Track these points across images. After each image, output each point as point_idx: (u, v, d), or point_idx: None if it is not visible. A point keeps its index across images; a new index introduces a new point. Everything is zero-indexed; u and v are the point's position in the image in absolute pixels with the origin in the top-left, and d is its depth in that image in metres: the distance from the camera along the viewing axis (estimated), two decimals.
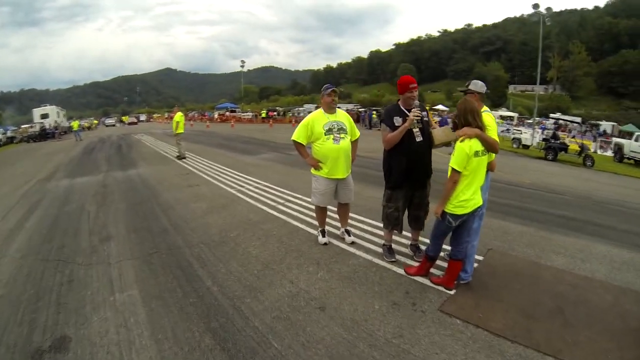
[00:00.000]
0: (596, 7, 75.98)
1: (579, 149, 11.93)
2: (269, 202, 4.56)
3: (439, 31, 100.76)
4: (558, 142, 12.56)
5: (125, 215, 4.22)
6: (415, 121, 2.52)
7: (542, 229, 3.90)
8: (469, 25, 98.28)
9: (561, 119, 22.24)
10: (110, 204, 4.80)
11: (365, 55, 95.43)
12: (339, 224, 3.41)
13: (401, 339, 1.95)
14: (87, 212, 4.43)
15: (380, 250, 2.97)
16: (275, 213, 4.05)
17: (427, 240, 2.74)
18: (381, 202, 2.79)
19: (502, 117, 29.51)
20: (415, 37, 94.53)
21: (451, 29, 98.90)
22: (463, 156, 2.07)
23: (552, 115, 25.47)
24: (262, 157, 8.84)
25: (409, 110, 2.57)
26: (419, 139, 2.54)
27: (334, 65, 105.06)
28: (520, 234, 3.64)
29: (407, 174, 2.58)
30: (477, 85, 2.58)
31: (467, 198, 2.15)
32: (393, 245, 2.93)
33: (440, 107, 35.32)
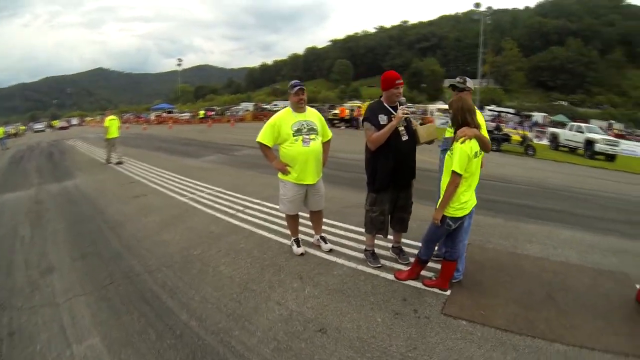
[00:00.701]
0: (527, 7, 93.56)
1: (520, 139, 13.90)
2: (227, 210, 4.56)
3: (375, 27, 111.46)
4: (501, 133, 14.61)
5: (67, 238, 3.97)
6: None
7: (510, 219, 4.38)
8: (405, 22, 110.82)
9: (499, 111, 25.67)
10: (47, 225, 4.53)
11: (301, 52, 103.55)
12: (311, 231, 3.43)
13: (416, 351, 1.96)
14: (20, 237, 4.12)
15: (361, 256, 3.06)
16: (237, 222, 4.05)
17: (409, 242, 3.04)
18: (364, 206, 2.87)
19: (439, 110, 33.31)
20: (351, 33, 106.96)
21: (387, 25, 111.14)
22: (465, 158, 2.16)
23: (488, 107, 29.51)
24: (207, 160, 9.16)
25: (393, 108, 2.63)
26: (404, 137, 2.64)
27: (270, 62, 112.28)
28: (492, 226, 4.03)
29: (393, 175, 2.66)
30: (471, 82, 2.74)
31: (467, 199, 2.28)
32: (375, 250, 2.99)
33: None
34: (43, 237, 4.06)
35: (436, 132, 2.74)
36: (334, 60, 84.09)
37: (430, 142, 2.71)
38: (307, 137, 2.88)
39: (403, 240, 3.15)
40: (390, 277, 2.75)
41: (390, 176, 2.66)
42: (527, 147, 13.40)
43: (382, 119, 2.60)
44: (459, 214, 2.29)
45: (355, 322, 2.17)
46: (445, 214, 2.30)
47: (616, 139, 16.43)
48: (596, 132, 15.95)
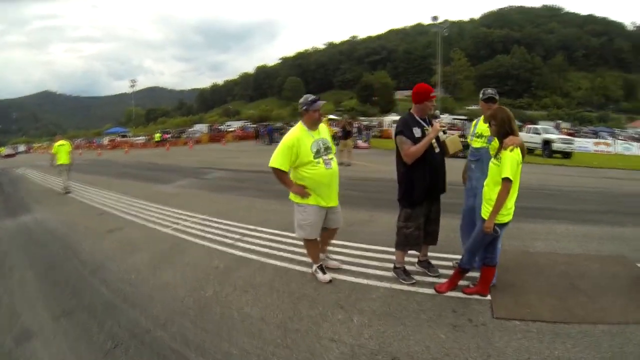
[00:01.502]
0: (472, 19, 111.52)
1: None
2: (222, 240, 4.60)
3: (324, 43, 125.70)
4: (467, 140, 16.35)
5: (40, 290, 3.63)
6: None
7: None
8: (354, 37, 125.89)
9: (463, 119, 28.86)
10: (12, 273, 4.18)
11: (252, 71, 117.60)
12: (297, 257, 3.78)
13: (490, 358, 2.25)
14: None
15: (390, 274, 3.36)
16: (241, 253, 4.09)
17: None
18: (396, 224, 3.22)
19: (395, 122, 35.59)
20: (301, 50, 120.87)
21: (337, 41, 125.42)
22: (515, 165, 2.56)
23: (442, 115, 33.14)
24: (179, 185, 9.48)
25: (424, 120, 3.05)
26: (437, 150, 3.07)
27: (221, 82, 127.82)
28: None
29: (429, 189, 3.03)
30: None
31: (512, 205, 2.71)
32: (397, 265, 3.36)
33: (331, 116, 41.79)
34: (8, 290, 3.67)
35: (460, 144, 3.20)
36: (285, 77, 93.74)
37: (456, 154, 3.14)
38: (326, 158, 3.08)
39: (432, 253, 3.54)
40: (428, 291, 3.06)
41: (427, 189, 3.02)
42: (466, 147, 15.22)
43: (417, 132, 2.96)
44: (506, 219, 2.71)
45: (422, 344, 2.37)
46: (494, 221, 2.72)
47: (571, 138, 19.47)
48: (552, 133, 18.84)
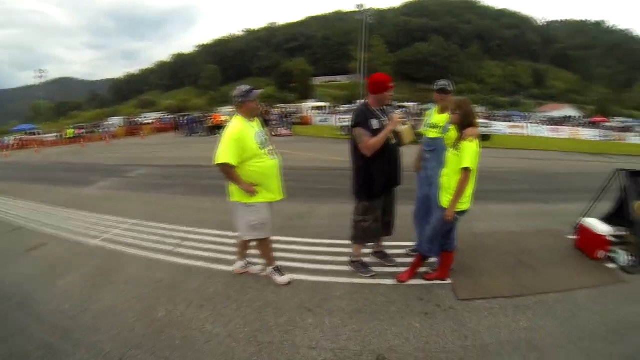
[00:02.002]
0: (392, 7, 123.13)
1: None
2: (160, 247, 4.39)
3: (243, 30, 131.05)
4: None
5: None
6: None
7: None
8: (273, 24, 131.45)
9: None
10: None
11: (168, 59, 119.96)
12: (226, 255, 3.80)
13: (468, 339, 2.49)
14: None
15: (346, 268, 3.49)
16: (185, 261, 3.94)
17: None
18: (352, 218, 3.30)
19: (315, 108, 40.09)
20: (219, 37, 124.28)
21: (255, 27, 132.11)
22: (475, 155, 2.78)
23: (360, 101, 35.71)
24: (101, 186, 8.98)
25: (381, 111, 3.14)
26: (393, 141, 3.19)
27: (136, 72, 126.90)
28: None
29: (388, 180, 3.18)
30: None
31: (471, 193, 2.94)
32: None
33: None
34: None
35: (414, 134, 3.35)
36: (203, 66, 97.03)
37: (410, 143, 3.28)
38: (269, 148, 3.11)
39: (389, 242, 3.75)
40: (390, 281, 3.26)
41: (385, 181, 3.16)
42: (417, 136, 16.69)
43: (375, 123, 3.02)
44: (465, 207, 2.95)
45: (401, 336, 2.53)
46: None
47: (488, 121, 21.91)
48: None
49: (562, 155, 15.44)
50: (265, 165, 3.01)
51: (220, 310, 2.94)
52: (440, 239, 3.16)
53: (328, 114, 36.54)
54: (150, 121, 40.64)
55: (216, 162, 2.89)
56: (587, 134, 31.78)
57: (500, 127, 27.01)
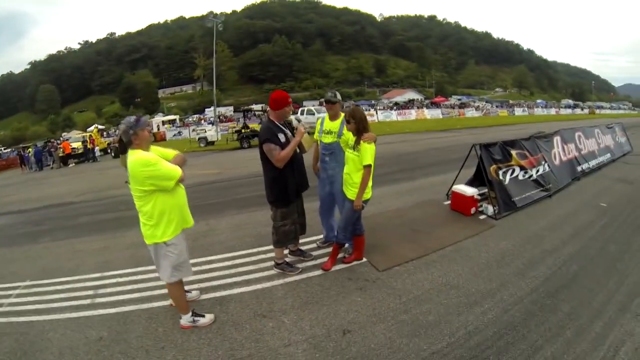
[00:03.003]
0: (234, 11, 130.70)
1: None
2: (76, 303, 3.95)
3: (80, 43, 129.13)
4: (249, 130, 19.67)
5: None
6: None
7: None
8: (112, 34, 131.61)
9: (245, 110, 31.93)
10: None
11: None
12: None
13: (404, 297, 3.23)
14: None
15: (272, 272, 3.92)
16: (112, 310, 3.67)
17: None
18: (273, 225, 3.77)
19: (164, 123, 39.66)
20: (54, 52, 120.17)
21: (93, 39, 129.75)
22: (373, 154, 3.51)
23: (207, 109, 35.94)
24: None
25: (283, 124, 3.65)
26: (297, 150, 3.71)
27: None
28: None
29: (299, 186, 3.76)
30: (339, 95, 4.13)
31: (371, 184, 3.68)
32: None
33: (98, 126, 41.13)
34: None
35: (312, 141, 3.98)
36: (37, 86, 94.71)
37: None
38: None
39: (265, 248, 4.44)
40: (317, 272, 3.85)
41: (296, 187, 3.74)
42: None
43: (281, 137, 3.53)
44: (368, 196, 3.67)
45: (351, 311, 3.09)
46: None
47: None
48: (324, 112, 23.63)
49: (415, 135, 18.77)
50: (180, 192, 3.05)
51: (184, 344, 2.93)
52: (350, 226, 3.87)
53: (179, 127, 36.70)
54: None
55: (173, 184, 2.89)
56: (431, 113, 39.08)
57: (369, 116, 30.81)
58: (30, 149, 26.11)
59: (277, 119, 3.61)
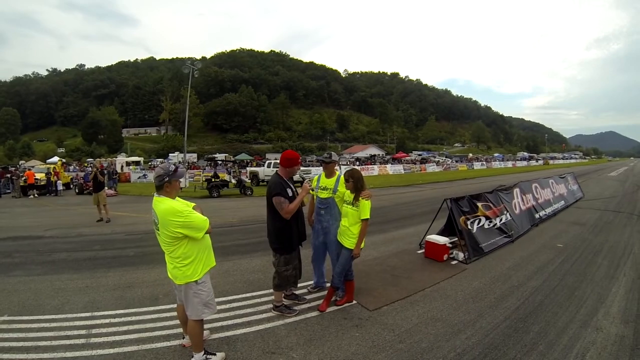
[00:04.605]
0: (204, 57, 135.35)
1: (236, 182, 19.83)
2: (67, 342, 3.90)
3: (48, 70, 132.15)
4: (219, 180, 19.91)
5: None
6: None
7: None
8: (82, 65, 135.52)
9: (210, 158, 32.51)
10: None
11: None
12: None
13: (394, 331, 3.74)
14: None
15: (270, 314, 4.28)
16: (112, 350, 3.69)
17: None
18: (276, 270, 4.24)
19: (129, 164, 39.84)
20: (21, 75, 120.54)
21: (62, 68, 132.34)
22: (370, 209, 4.18)
23: (171, 154, 36.65)
24: None
25: (289, 180, 4.29)
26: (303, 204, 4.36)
27: None
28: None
29: (301, 235, 4.34)
30: (335, 156, 4.89)
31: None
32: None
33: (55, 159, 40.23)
34: None
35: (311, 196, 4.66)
36: None
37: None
38: None
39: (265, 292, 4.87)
40: (314, 313, 4.28)
41: (299, 236, 4.30)
42: (244, 188, 18.87)
43: (289, 191, 4.12)
44: (363, 245, 4.30)
45: (352, 345, 3.52)
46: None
47: (307, 168, 25.58)
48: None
49: (380, 190, 19.71)
50: (207, 237, 3.33)
51: None
52: (350, 270, 4.41)
53: (144, 169, 36.41)
54: None
55: (204, 233, 3.19)
56: (394, 169, 40.95)
57: (316, 172, 31.77)
58: None
59: (285, 175, 4.21)
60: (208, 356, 3.34)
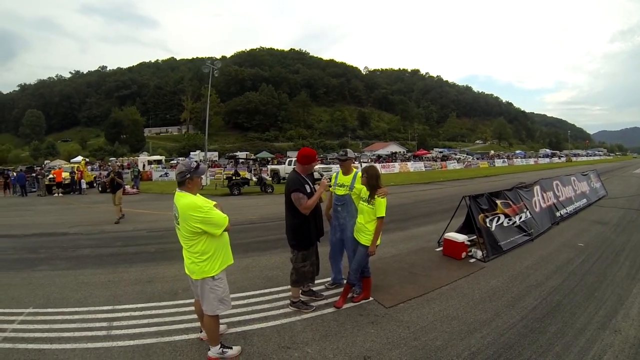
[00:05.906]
0: (224, 57, 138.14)
1: (257, 180, 20.00)
2: (88, 334, 4.05)
3: (71, 72, 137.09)
4: (240, 177, 20.09)
5: None
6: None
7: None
8: (104, 67, 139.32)
9: (231, 156, 32.92)
10: None
11: None
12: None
13: (409, 328, 3.74)
14: None
15: (288, 310, 4.32)
16: (131, 342, 3.82)
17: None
18: (294, 265, 4.29)
19: (150, 162, 41.34)
20: (45, 78, 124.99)
21: (84, 70, 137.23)
22: (386, 207, 4.18)
23: (192, 152, 37.14)
24: None
25: (307, 176, 4.33)
26: (320, 200, 4.39)
27: None
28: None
29: (318, 231, 4.37)
30: (352, 153, 4.93)
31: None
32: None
33: (79, 159, 41.37)
34: None
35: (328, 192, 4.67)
36: (24, 110, 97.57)
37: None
38: None
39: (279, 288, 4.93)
40: (330, 309, 4.29)
41: (317, 232, 4.33)
42: (265, 186, 18.85)
43: (307, 188, 4.16)
44: (378, 242, 4.32)
45: (367, 341, 3.54)
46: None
47: (328, 166, 25.50)
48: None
49: (401, 188, 19.59)
50: (225, 234, 3.38)
51: None
52: (366, 266, 4.43)
53: (165, 168, 37.09)
54: None
55: (223, 230, 3.25)
56: (414, 166, 40.55)
57: (337, 169, 31.68)
58: (14, 173, 26.10)
59: (302, 172, 4.25)
60: (224, 350, 3.41)
